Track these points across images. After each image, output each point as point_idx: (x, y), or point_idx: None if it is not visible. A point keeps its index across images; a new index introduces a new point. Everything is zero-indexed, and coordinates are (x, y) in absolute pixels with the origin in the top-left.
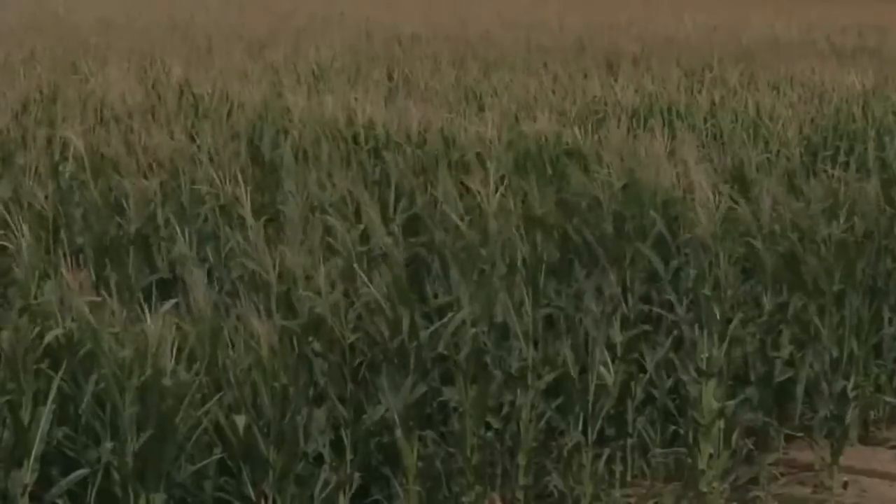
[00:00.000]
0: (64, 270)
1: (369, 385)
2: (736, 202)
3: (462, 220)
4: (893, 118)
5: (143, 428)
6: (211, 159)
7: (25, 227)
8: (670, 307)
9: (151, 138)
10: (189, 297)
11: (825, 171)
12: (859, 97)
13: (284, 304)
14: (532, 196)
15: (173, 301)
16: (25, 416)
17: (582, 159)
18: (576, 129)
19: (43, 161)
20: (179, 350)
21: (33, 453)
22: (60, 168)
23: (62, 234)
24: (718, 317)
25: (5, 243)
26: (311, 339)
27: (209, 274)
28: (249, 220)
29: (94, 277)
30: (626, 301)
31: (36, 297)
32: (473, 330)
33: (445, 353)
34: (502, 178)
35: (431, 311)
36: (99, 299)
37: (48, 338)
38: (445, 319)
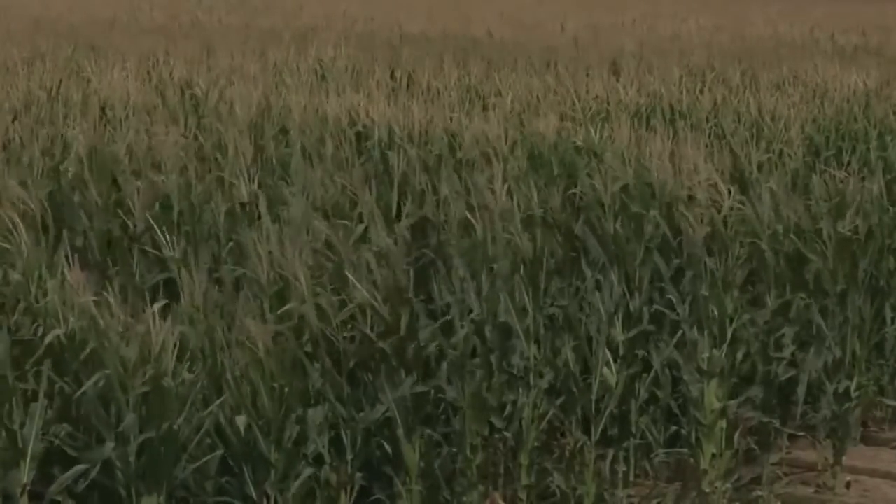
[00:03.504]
0: (66, 270)
1: (369, 385)
2: (741, 202)
3: (467, 219)
4: (895, 118)
5: (145, 428)
6: (214, 158)
7: (23, 228)
8: (674, 307)
9: (154, 138)
10: (184, 297)
11: (827, 171)
12: (862, 97)
13: (278, 305)
14: (538, 195)
15: (162, 302)
16: (17, 417)
17: (587, 158)
18: (581, 129)
19: (45, 161)
20: (180, 351)
21: (29, 453)
22: (62, 167)
23: (63, 234)
24: (720, 316)
25: (5, 245)
26: (304, 340)
27: (210, 274)
28: (266, 220)
29: (99, 277)
30: (630, 300)
31: (36, 298)
32: (465, 329)
33: (447, 351)
34: (508, 176)
35: (437, 309)
36: (98, 299)
37: (49, 338)
38: (445, 318)
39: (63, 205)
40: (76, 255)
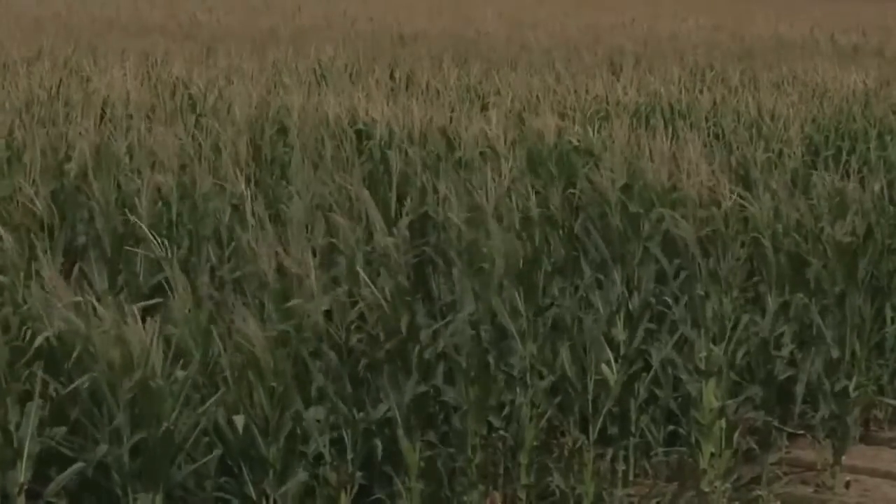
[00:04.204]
0: (45, 272)
1: (370, 384)
2: (742, 201)
3: (466, 219)
4: (894, 117)
5: (137, 428)
6: (214, 158)
7: (9, 229)
8: (673, 305)
9: (155, 137)
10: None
11: (826, 172)
12: (861, 97)
13: (283, 304)
14: (537, 194)
15: (154, 300)
16: (13, 418)
17: (587, 157)
18: (580, 129)
19: (46, 160)
20: (172, 351)
21: (26, 453)
22: (65, 167)
23: (62, 235)
24: (720, 316)
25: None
26: (307, 339)
27: (212, 272)
28: (251, 220)
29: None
30: (630, 300)
31: (24, 299)
32: (473, 331)
33: (447, 351)
34: (507, 176)
35: (436, 310)
36: (81, 299)
37: (38, 340)
38: (447, 320)
39: (65, 204)
40: (74, 256)
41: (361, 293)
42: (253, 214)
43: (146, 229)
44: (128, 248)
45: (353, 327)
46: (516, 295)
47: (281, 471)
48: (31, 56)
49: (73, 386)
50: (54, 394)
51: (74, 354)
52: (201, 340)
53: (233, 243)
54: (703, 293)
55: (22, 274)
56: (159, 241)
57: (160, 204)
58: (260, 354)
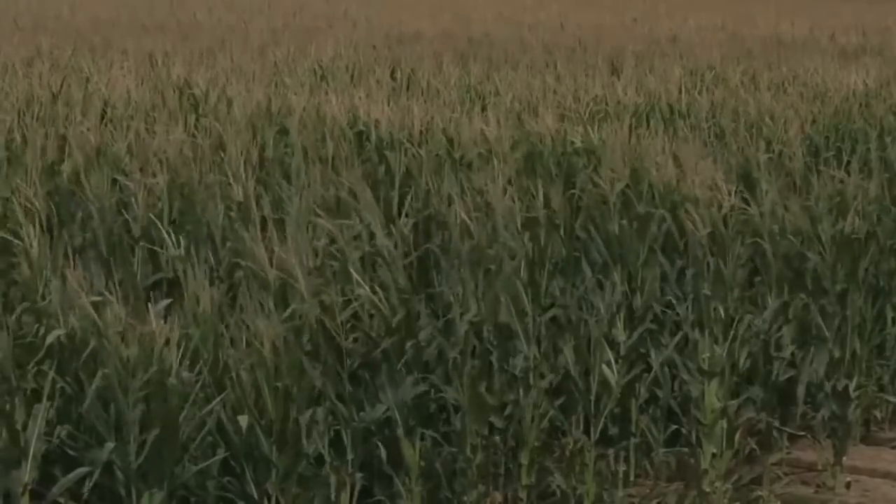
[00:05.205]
0: (67, 270)
1: (368, 384)
2: (744, 203)
3: (466, 219)
4: (894, 118)
5: (146, 428)
6: (214, 161)
7: (33, 228)
8: (674, 306)
9: (155, 137)
10: (187, 297)
11: (826, 171)
12: (861, 97)
13: (282, 305)
14: (538, 194)
15: (167, 301)
16: (20, 417)
17: (586, 157)
18: (580, 129)
19: (45, 160)
20: (182, 349)
21: (31, 453)
22: (62, 167)
23: (63, 234)
24: (722, 316)
25: (14, 238)
26: (306, 339)
27: (210, 272)
28: (255, 216)
29: (98, 276)
30: (632, 300)
31: (43, 297)
32: (475, 331)
33: (443, 350)
34: (508, 176)
35: (438, 309)
36: (100, 299)
37: (50, 338)
38: (446, 317)
39: (63, 204)
40: (76, 255)
41: (358, 293)
42: (248, 215)
43: (161, 227)
44: (133, 244)
45: (350, 327)
46: (522, 294)
47: (284, 471)
48: (31, 56)
49: (92, 388)
50: (59, 392)
51: (87, 352)
52: (212, 339)
53: (227, 243)
54: (708, 293)
55: (44, 272)
56: (159, 241)
57: (158, 203)
58: (268, 354)
